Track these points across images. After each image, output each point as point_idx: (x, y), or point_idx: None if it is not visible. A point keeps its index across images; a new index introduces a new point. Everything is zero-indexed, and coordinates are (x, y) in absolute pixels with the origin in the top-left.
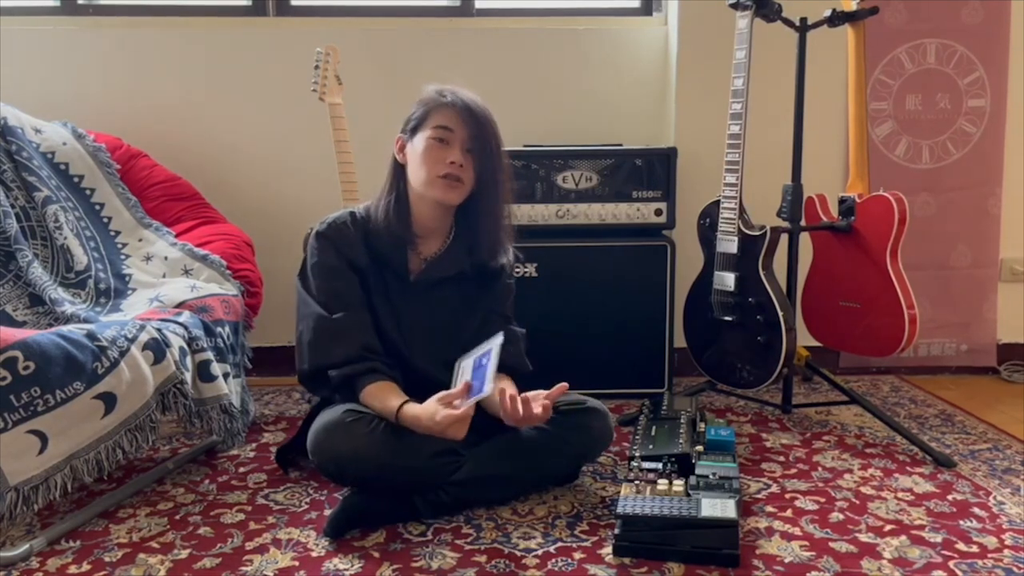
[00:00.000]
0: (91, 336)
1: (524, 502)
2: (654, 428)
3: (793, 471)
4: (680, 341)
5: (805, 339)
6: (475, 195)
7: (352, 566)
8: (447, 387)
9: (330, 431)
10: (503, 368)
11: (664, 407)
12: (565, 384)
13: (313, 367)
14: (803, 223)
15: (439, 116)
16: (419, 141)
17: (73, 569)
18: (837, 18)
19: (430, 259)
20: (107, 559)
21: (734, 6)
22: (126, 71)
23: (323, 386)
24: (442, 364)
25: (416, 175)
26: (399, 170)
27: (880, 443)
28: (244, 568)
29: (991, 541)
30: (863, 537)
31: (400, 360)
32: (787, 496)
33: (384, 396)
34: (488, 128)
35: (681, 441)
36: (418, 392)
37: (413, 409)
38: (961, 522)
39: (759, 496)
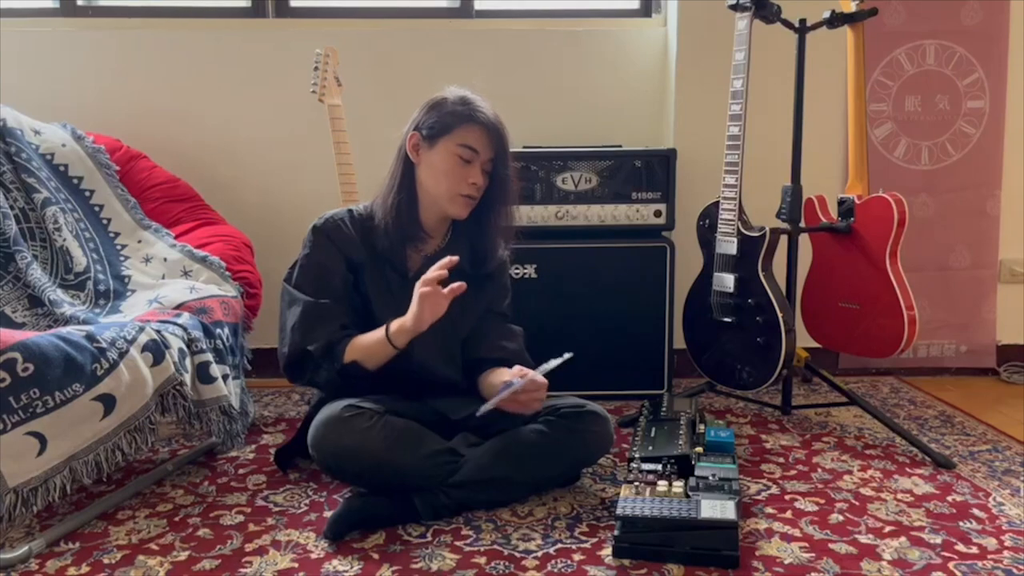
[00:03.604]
0: (90, 338)
1: (523, 503)
2: (654, 429)
3: (793, 472)
4: (680, 342)
5: (804, 340)
6: (483, 204)
7: (351, 568)
8: (448, 381)
9: (329, 426)
10: (506, 365)
11: (664, 408)
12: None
13: (295, 349)
14: (802, 224)
15: (467, 134)
16: (442, 152)
17: (72, 571)
18: (836, 19)
19: (429, 256)
20: (106, 561)
21: (733, 7)
22: (125, 72)
23: (305, 367)
24: (442, 358)
25: (433, 185)
26: (410, 168)
27: (880, 444)
28: (243, 570)
29: (991, 542)
30: (863, 538)
31: (401, 355)
32: (787, 497)
33: (367, 337)
34: (506, 145)
35: (681, 442)
36: (419, 386)
37: (400, 319)
38: (961, 523)
39: (759, 497)
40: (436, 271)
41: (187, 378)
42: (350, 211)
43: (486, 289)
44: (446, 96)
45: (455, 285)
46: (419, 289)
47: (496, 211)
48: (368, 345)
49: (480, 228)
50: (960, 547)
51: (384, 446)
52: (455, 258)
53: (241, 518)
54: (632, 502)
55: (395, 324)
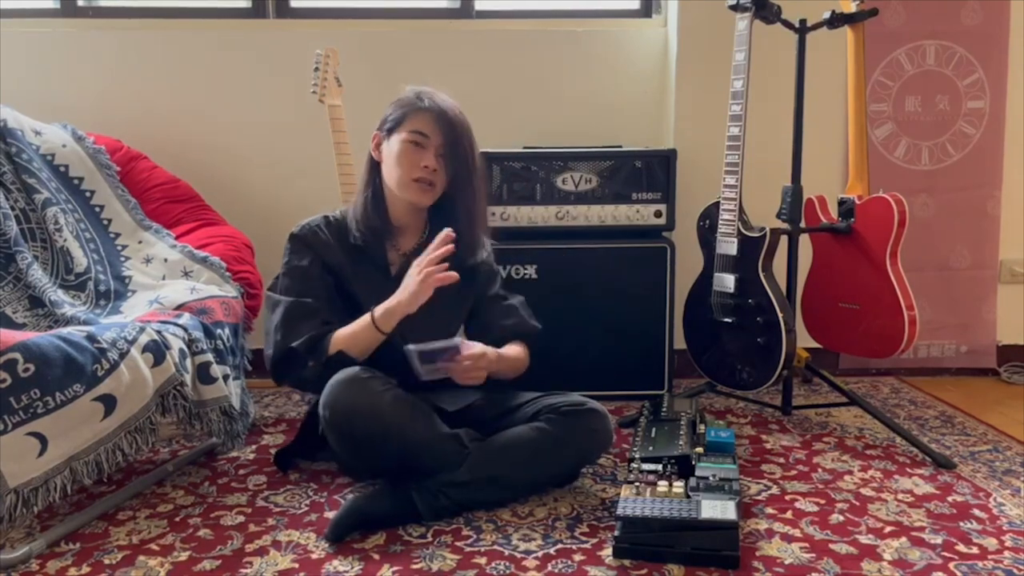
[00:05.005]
0: (91, 338)
1: (524, 504)
2: (654, 430)
3: (793, 473)
4: (680, 343)
5: (805, 340)
6: (450, 196)
7: (352, 568)
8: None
9: (344, 384)
10: (515, 336)
11: (664, 409)
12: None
13: (279, 348)
14: (803, 224)
15: (416, 121)
16: (395, 142)
17: (73, 571)
18: (837, 20)
19: (409, 253)
20: (107, 561)
21: (734, 8)
22: (126, 73)
23: (291, 366)
24: None
25: (390, 175)
26: (375, 166)
27: (880, 445)
28: (244, 570)
29: (991, 543)
30: (863, 539)
31: (391, 349)
32: (787, 498)
33: (351, 325)
34: (461, 133)
35: (681, 443)
36: (410, 377)
37: (386, 303)
38: (961, 523)
39: (759, 498)
40: (437, 252)
41: (188, 378)
42: (325, 217)
43: (476, 278)
44: (403, 94)
45: (449, 274)
46: (418, 270)
47: (464, 197)
48: (353, 332)
49: (452, 216)
50: (961, 547)
51: (396, 411)
52: (451, 232)
53: (241, 518)
54: (632, 502)
55: (380, 308)
